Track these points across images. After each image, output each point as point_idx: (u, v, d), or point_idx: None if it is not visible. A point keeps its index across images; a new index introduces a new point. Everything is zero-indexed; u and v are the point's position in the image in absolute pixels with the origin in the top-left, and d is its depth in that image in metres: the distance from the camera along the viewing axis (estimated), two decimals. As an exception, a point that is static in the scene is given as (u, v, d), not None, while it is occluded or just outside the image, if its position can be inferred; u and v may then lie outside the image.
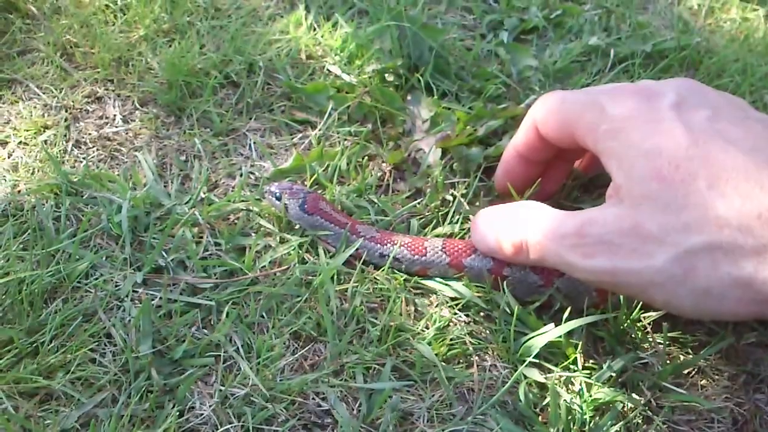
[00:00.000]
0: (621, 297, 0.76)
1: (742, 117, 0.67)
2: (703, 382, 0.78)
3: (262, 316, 0.77)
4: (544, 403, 0.73)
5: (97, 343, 0.73)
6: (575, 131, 0.74)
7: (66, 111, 0.98)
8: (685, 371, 0.78)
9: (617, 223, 0.66)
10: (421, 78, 1.04)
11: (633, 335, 0.79)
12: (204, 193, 0.89)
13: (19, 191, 0.87)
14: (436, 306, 0.81)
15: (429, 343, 0.76)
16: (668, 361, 0.77)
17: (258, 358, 0.73)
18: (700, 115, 0.66)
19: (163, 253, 0.81)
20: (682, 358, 0.79)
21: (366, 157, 0.96)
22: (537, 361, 0.75)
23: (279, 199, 0.85)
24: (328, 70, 1.08)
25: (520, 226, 0.75)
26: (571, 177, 0.93)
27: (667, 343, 0.78)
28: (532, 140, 0.82)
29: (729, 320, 0.68)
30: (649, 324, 0.80)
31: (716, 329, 0.81)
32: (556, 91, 0.79)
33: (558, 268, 0.73)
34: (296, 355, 0.75)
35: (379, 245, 0.82)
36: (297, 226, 0.86)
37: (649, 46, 1.20)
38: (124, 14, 1.11)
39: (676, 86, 0.70)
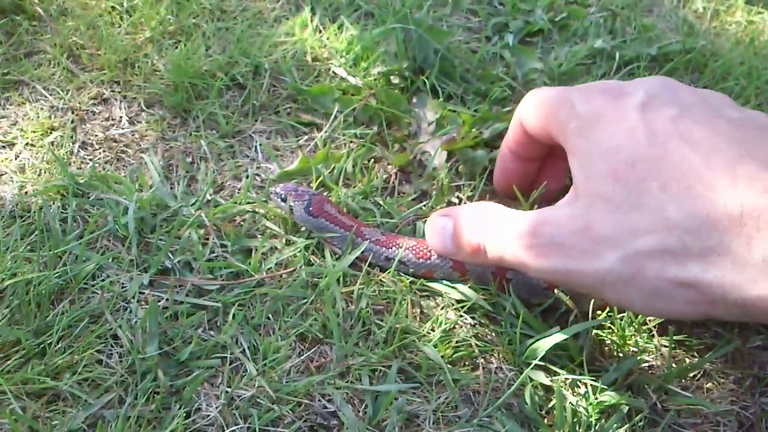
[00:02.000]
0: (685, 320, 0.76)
1: (711, 116, 0.66)
2: (709, 385, 0.78)
3: (269, 318, 0.77)
4: (549, 406, 0.73)
5: (103, 345, 0.73)
6: (550, 128, 0.74)
7: (72, 112, 0.99)
8: (691, 374, 0.78)
9: (570, 224, 0.66)
10: (426, 80, 1.05)
11: (638, 338, 0.79)
12: (210, 195, 0.89)
13: (26, 193, 0.87)
14: (442, 308, 0.81)
15: (435, 346, 0.76)
16: (674, 365, 0.77)
17: (264, 360, 0.73)
18: (665, 115, 0.65)
19: (170, 255, 0.81)
20: (687, 361, 0.79)
21: (372, 160, 0.96)
22: (543, 363, 0.75)
23: (284, 200, 0.85)
24: (333, 72, 1.09)
25: (477, 227, 0.75)
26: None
27: (673, 346, 0.78)
28: (519, 137, 0.82)
29: (679, 319, 0.69)
30: (654, 327, 0.80)
31: (722, 332, 0.81)
32: (541, 88, 0.79)
33: (515, 268, 0.73)
34: (302, 357, 0.75)
35: (384, 248, 0.83)
36: (303, 228, 0.86)
37: (655, 48, 1.20)
38: (130, 16, 1.11)
39: (647, 85, 0.70)
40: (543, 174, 0.88)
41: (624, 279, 0.63)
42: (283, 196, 0.85)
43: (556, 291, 0.78)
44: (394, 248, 0.82)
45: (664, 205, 0.61)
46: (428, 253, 0.82)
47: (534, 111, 0.77)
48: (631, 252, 0.62)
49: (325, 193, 0.89)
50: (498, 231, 0.72)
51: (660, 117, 0.65)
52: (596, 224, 0.64)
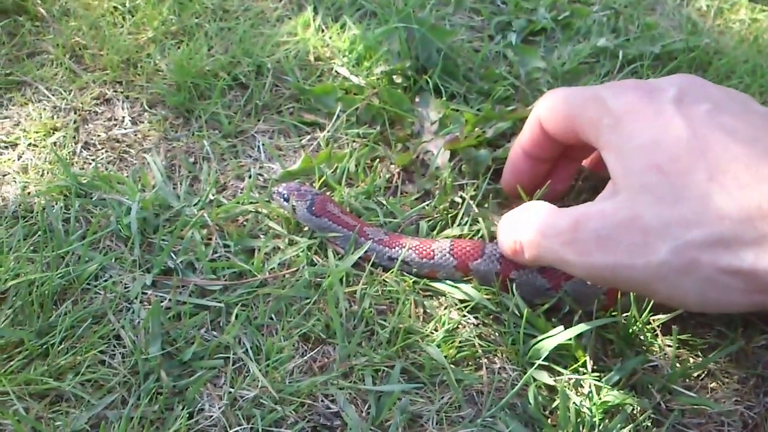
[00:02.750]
0: (631, 299, 0.76)
1: (743, 110, 0.66)
2: (713, 385, 0.77)
3: (271, 318, 0.77)
4: (553, 406, 0.73)
5: (106, 345, 0.73)
6: (578, 126, 0.74)
7: (75, 113, 0.99)
8: (695, 374, 0.78)
9: (614, 217, 0.66)
10: (429, 80, 1.04)
11: (642, 338, 0.79)
12: (213, 195, 0.89)
13: (29, 193, 0.87)
14: (445, 308, 0.80)
15: (438, 346, 0.76)
16: (678, 364, 0.77)
17: (267, 360, 0.73)
18: (701, 109, 0.66)
19: (173, 255, 0.81)
20: (691, 361, 0.79)
21: (375, 159, 0.96)
22: (546, 363, 0.75)
23: (287, 200, 0.85)
24: (336, 71, 1.09)
25: (516, 226, 0.74)
26: (581, 177, 0.93)
27: (677, 345, 0.78)
28: (537, 137, 0.82)
29: (733, 311, 0.68)
30: (658, 327, 0.80)
31: (726, 332, 0.81)
32: (560, 88, 0.79)
33: (555, 266, 0.72)
34: (305, 357, 0.75)
35: (387, 248, 0.82)
36: (306, 228, 0.86)
37: (658, 47, 1.19)
38: (133, 16, 1.11)
39: (677, 81, 0.70)
40: (551, 175, 0.87)
41: (677, 271, 0.62)
42: (285, 195, 0.85)
43: (559, 291, 0.78)
44: (397, 248, 0.82)
45: (713, 196, 0.61)
46: (431, 253, 0.81)
47: (556, 110, 0.77)
48: (682, 243, 0.62)
49: (327, 193, 0.89)
50: (536, 228, 0.71)
51: (696, 110, 0.66)
52: (643, 216, 0.64)
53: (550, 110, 0.78)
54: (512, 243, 0.74)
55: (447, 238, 0.85)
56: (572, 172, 0.90)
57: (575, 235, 0.67)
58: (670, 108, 0.66)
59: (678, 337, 0.77)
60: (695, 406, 0.75)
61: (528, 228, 0.72)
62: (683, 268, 0.62)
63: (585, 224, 0.67)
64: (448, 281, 0.82)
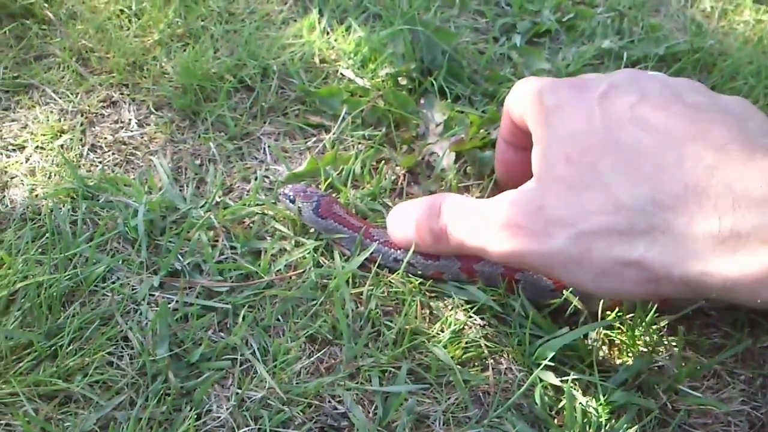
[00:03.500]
0: (636, 300, 0.76)
1: (670, 101, 0.66)
2: (719, 385, 0.78)
3: (278, 320, 0.78)
4: (559, 406, 0.73)
5: (114, 347, 0.74)
6: (526, 120, 0.75)
7: (82, 115, 0.99)
8: (701, 374, 0.78)
9: (525, 205, 0.68)
10: (434, 82, 1.05)
11: (648, 338, 0.79)
12: (219, 197, 0.90)
13: (36, 195, 0.88)
14: (451, 309, 0.81)
15: (444, 347, 0.76)
16: (684, 365, 0.77)
17: (274, 361, 0.74)
18: (623, 102, 0.66)
19: (179, 257, 0.82)
20: (697, 361, 0.79)
21: (380, 161, 0.97)
22: (552, 364, 0.75)
23: (293, 202, 0.85)
24: (341, 74, 1.09)
25: (440, 213, 0.76)
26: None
27: (683, 346, 0.78)
28: (509, 126, 0.83)
29: (630, 299, 0.71)
30: (664, 327, 0.80)
31: (732, 332, 0.81)
32: (524, 79, 0.80)
33: (476, 253, 0.74)
34: (312, 358, 0.75)
35: (393, 249, 0.83)
36: (312, 230, 0.86)
37: (662, 48, 1.20)
38: (139, 19, 1.12)
39: (611, 77, 0.71)
40: None
41: (573, 259, 0.64)
42: (291, 197, 0.85)
43: (564, 292, 0.78)
44: (402, 249, 0.82)
45: (614, 186, 0.62)
46: (437, 255, 0.82)
47: (515, 101, 0.78)
48: (580, 232, 0.63)
49: (333, 195, 0.90)
50: (462, 216, 0.74)
51: (618, 104, 0.66)
52: (549, 205, 0.66)
53: (511, 100, 0.79)
54: (436, 228, 0.76)
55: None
56: None
57: (492, 223, 0.70)
58: (593, 103, 0.68)
59: (684, 337, 0.77)
60: (701, 407, 0.75)
61: (452, 215, 0.75)
62: (578, 256, 0.64)
63: (499, 212, 0.70)
64: (453, 282, 0.82)
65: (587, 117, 0.67)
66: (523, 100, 0.76)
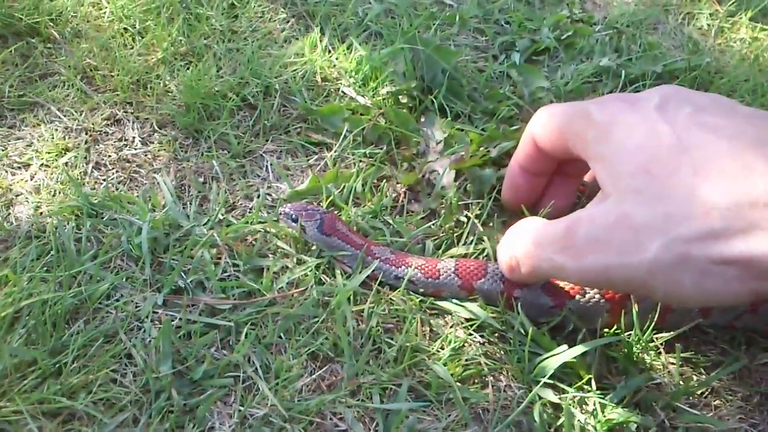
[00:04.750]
0: (633, 317, 0.77)
1: (725, 111, 0.68)
2: (717, 402, 0.78)
3: (280, 337, 0.78)
4: (558, 424, 0.74)
5: (118, 364, 0.74)
6: (567, 141, 0.75)
7: (86, 133, 1.00)
8: (699, 392, 0.79)
9: (604, 219, 0.67)
10: (434, 100, 1.06)
11: (646, 356, 0.80)
12: (222, 215, 0.91)
13: (41, 213, 0.89)
14: (451, 327, 0.82)
15: (444, 364, 0.77)
16: (681, 382, 0.78)
17: (276, 379, 0.74)
18: (683, 112, 0.67)
19: (183, 275, 0.82)
20: (695, 378, 0.80)
21: (381, 179, 0.98)
22: (551, 381, 0.76)
23: (295, 221, 0.86)
24: (343, 92, 1.10)
25: (511, 242, 0.76)
26: (585, 195, 0.94)
27: (680, 363, 0.79)
28: (531, 153, 0.83)
29: (736, 302, 0.69)
30: (661, 345, 0.81)
31: (729, 350, 0.82)
32: (551, 105, 0.81)
33: (552, 276, 0.73)
34: (314, 376, 0.76)
35: (394, 267, 0.84)
36: (314, 248, 0.87)
37: (660, 66, 1.21)
38: (143, 37, 1.13)
39: (659, 91, 0.72)
40: (551, 192, 0.89)
41: (670, 266, 0.63)
42: (293, 216, 0.86)
43: (563, 309, 0.79)
44: (403, 267, 0.83)
45: (700, 190, 0.62)
46: (436, 272, 0.83)
47: (547, 125, 0.78)
48: (672, 238, 0.62)
49: (334, 212, 0.90)
50: (530, 241, 0.73)
51: (679, 114, 0.67)
52: (632, 215, 0.65)
53: (542, 126, 0.80)
54: (509, 259, 0.76)
55: (453, 257, 0.86)
56: (572, 188, 0.91)
57: (567, 241, 0.69)
58: (653, 115, 0.68)
59: (681, 354, 0.78)
60: (699, 424, 0.75)
61: (522, 242, 0.74)
62: (676, 263, 0.63)
63: (576, 229, 0.69)
64: (453, 300, 0.83)
65: (651, 128, 0.67)
66: (560, 122, 0.76)
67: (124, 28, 1.14)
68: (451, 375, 0.76)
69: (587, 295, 0.80)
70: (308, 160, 1.01)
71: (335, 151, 1.01)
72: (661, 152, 0.65)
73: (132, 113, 1.04)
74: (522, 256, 0.74)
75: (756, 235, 0.60)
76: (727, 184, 0.61)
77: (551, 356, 0.76)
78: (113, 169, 0.97)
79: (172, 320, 0.78)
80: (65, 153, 0.97)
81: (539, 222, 0.75)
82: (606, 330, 0.79)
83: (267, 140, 1.03)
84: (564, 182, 0.89)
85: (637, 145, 0.67)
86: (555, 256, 0.70)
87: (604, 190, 0.69)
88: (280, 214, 0.88)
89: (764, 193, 0.60)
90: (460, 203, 0.94)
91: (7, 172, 0.94)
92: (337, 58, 1.15)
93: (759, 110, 0.70)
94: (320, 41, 1.16)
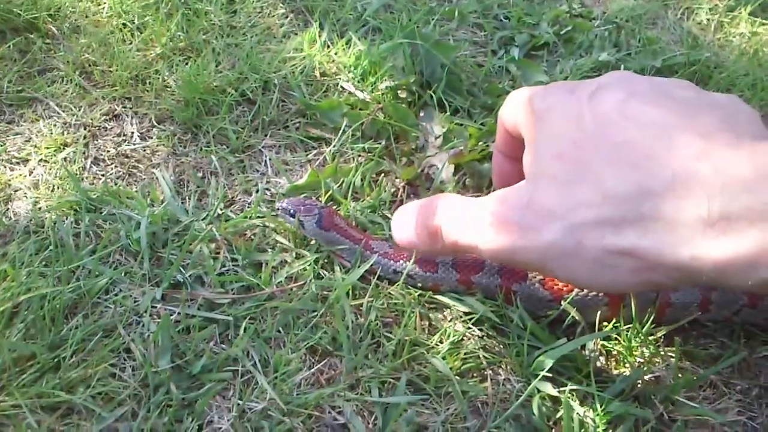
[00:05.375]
0: (633, 311, 0.77)
1: (658, 97, 0.66)
2: (716, 395, 0.78)
3: (279, 331, 0.78)
4: (557, 417, 0.74)
5: (117, 358, 0.75)
6: (519, 127, 0.76)
7: (85, 129, 1.00)
8: (698, 385, 0.79)
9: (515, 200, 0.68)
10: (433, 94, 1.06)
11: (645, 349, 0.80)
12: (221, 210, 0.91)
13: (39, 208, 0.89)
14: (450, 320, 0.82)
15: (443, 358, 0.77)
16: (680, 375, 0.78)
17: (275, 373, 0.74)
18: (612, 99, 0.66)
19: (181, 269, 0.82)
20: (694, 371, 0.80)
21: (380, 173, 0.98)
22: (550, 375, 0.76)
23: (293, 215, 0.86)
24: (341, 87, 1.10)
25: (435, 213, 0.76)
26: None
27: (679, 356, 0.79)
28: (503, 137, 0.83)
29: (626, 290, 0.70)
30: (660, 338, 0.81)
31: (728, 343, 0.82)
32: (517, 90, 0.81)
33: (468, 252, 0.73)
34: (312, 370, 0.76)
35: (392, 261, 0.84)
36: (312, 242, 0.87)
37: (659, 61, 1.21)
38: (141, 33, 1.13)
39: (601, 78, 0.71)
40: None
41: (567, 252, 0.64)
42: (291, 211, 0.86)
43: (562, 303, 0.79)
44: (401, 261, 0.83)
45: (603, 178, 0.62)
46: (435, 266, 0.83)
47: (508, 111, 0.79)
48: (572, 224, 0.63)
49: (333, 207, 0.90)
50: (455, 215, 0.73)
51: (607, 101, 0.66)
52: (540, 200, 0.66)
53: (505, 111, 0.80)
54: (432, 228, 0.75)
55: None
56: None
57: (481, 220, 0.70)
58: (582, 102, 0.67)
59: (680, 348, 0.78)
60: (698, 417, 0.75)
61: (447, 214, 0.74)
62: (571, 248, 0.63)
63: (489, 208, 0.69)
64: (452, 294, 0.83)
65: (576, 115, 0.67)
66: (515, 108, 0.77)
67: (123, 24, 1.14)
68: (450, 368, 0.76)
69: (586, 289, 0.80)
70: (307, 154, 1.01)
71: (334, 146, 1.01)
72: (579, 138, 0.65)
73: (131, 108, 1.04)
74: (446, 228, 0.74)
75: (646, 226, 0.60)
76: (629, 172, 0.61)
77: (550, 350, 0.76)
78: (112, 164, 0.97)
79: (171, 315, 0.79)
80: (64, 148, 0.97)
81: (462, 198, 0.76)
82: (605, 323, 0.79)
83: (266, 135, 1.03)
84: None
85: (559, 133, 0.67)
86: (471, 234, 0.71)
87: (526, 175, 0.70)
88: (278, 209, 0.88)
89: (660, 184, 0.59)
90: (458, 197, 0.94)
91: (5, 167, 0.94)
92: (336, 53, 1.14)
93: (707, 95, 0.69)
94: (319, 36, 1.16)
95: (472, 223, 0.71)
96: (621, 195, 0.61)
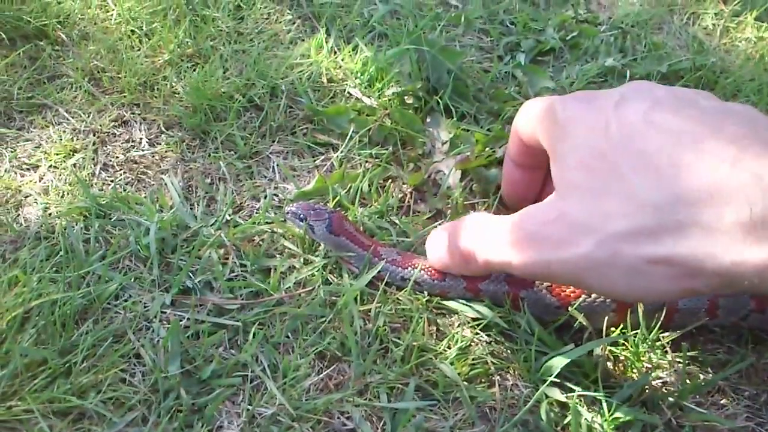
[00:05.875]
0: (639, 316, 0.77)
1: (682, 106, 0.67)
2: (724, 401, 0.78)
3: (288, 337, 0.79)
4: (565, 422, 0.74)
5: (127, 364, 0.75)
6: (538, 137, 0.76)
7: (94, 135, 1.01)
8: (706, 391, 0.79)
9: (546, 215, 0.68)
10: (440, 100, 1.06)
11: (652, 355, 0.80)
12: (229, 215, 0.91)
13: (50, 214, 0.89)
14: (458, 326, 0.82)
15: (451, 363, 0.77)
16: (688, 381, 0.78)
17: (284, 378, 0.75)
18: (636, 108, 0.67)
19: (191, 275, 0.83)
20: (702, 377, 0.80)
21: (387, 179, 0.98)
22: (558, 380, 0.76)
23: (302, 220, 0.86)
24: (348, 93, 1.11)
25: (467, 234, 0.77)
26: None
27: (687, 362, 0.79)
28: (518, 146, 0.84)
29: (664, 298, 0.69)
30: (668, 343, 0.81)
31: (736, 348, 0.82)
32: (533, 99, 0.81)
33: (502, 269, 0.74)
34: (321, 375, 0.76)
35: (400, 268, 0.84)
36: (321, 248, 0.87)
37: (665, 66, 1.21)
38: (149, 39, 1.14)
39: (623, 88, 0.72)
40: (550, 185, 0.89)
41: (602, 263, 0.64)
42: (301, 215, 0.87)
43: (569, 308, 0.79)
44: (409, 268, 0.83)
45: (635, 187, 0.62)
46: (442, 274, 0.83)
47: (525, 121, 0.79)
48: (605, 235, 0.63)
49: (342, 212, 0.91)
50: (485, 234, 0.74)
51: (632, 110, 0.67)
52: (570, 212, 0.66)
53: (521, 121, 0.80)
54: (465, 251, 0.76)
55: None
56: None
57: (513, 236, 0.70)
58: (607, 112, 0.68)
59: (688, 353, 0.78)
60: (706, 423, 0.75)
61: (478, 234, 0.75)
62: (607, 259, 0.64)
63: (521, 225, 0.70)
64: (460, 300, 0.83)
65: (602, 125, 0.67)
66: (534, 118, 0.77)
67: (131, 30, 1.15)
68: (458, 374, 0.76)
69: (593, 295, 0.80)
70: (314, 160, 1.01)
71: (341, 152, 1.01)
72: (606, 148, 0.66)
73: (139, 114, 1.05)
74: (478, 248, 0.75)
75: (685, 234, 0.60)
76: (660, 181, 0.61)
77: (558, 355, 0.76)
78: (121, 170, 0.97)
79: (181, 320, 0.79)
80: (73, 154, 0.98)
81: (492, 217, 0.76)
82: (612, 329, 0.80)
83: (273, 141, 1.03)
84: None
85: (586, 143, 0.68)
86: (503, 252, 0.71)
87: (555, 186, 0.71)
88: (288, 213, 0.88)
89: (695, 191, 0.60)
90: (465, 203, 0.95)
91: (16, 173, 0.95)
92: (342, 59, 1.15)
93: (727, 104, 0.69)
94: (326, 42, 1.17)
95: (503, 240, 0.71)
96: (654, 203, 0.61)
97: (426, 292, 0.84)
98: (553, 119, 0.73)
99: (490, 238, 0.73)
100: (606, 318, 0.79)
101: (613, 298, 0.79)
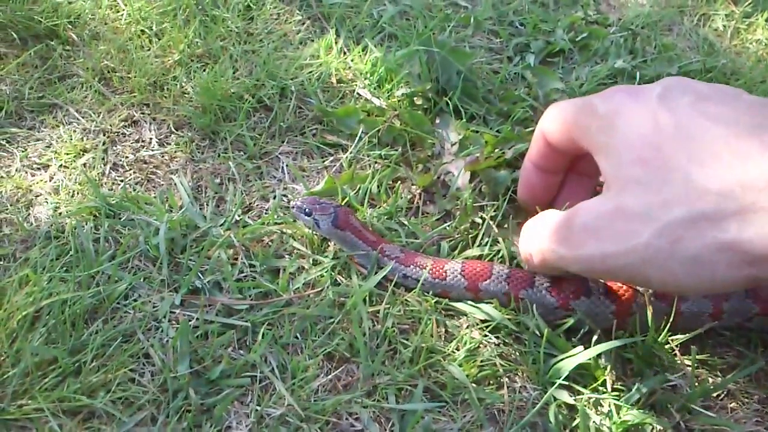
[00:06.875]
0: (648, 318, 0.77)
1: (728, 99, 0.67)
2: (733, 405, 0.78)
3: (297, 337, 0.79)
4: (573, 425, 0.74)
5: (136, 363, 0.75)
6: (574, 135, 0.76)
7: (104, 135, 1.01)
8: (715, 394, 0.79)
9: (601, 208, 0.68)
10: (449, 101, 1.06)
11: (661, 357, 0.79)
12: (239, 216, 0.91)
13: (60, 214, 0.90)
14: (467, 328, 0.82)
15: (460, 365, 0.77)
16: (697, 384, 0.78)
17: (293, 379, 0.75)
18: (684, 100, 0.67)
19: (200, 275, 0.83)
20: (711, 380, 0.80)
21: (396, 180, 0.98)
22: (566, 383, 0.76)
23: (308, 214, 0.87)
24: (358, 94, 1.11)
25: (524, 237, 0.78)
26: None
27: (696, 365, 0.79)
28: (542, 149, 0.83)
29: (727, 289, 0.68)
30: (677, 346, 0.81)
31: (745, 352, 0.82)
32: (560, 101, 0.81)
33: (558, 266, 0.73)
34: (330, 376, 0.76)
35: (402, 266, 0.84)
36: (329, 248, 0.87)
37: (675, 68, 1.21)
38: (159, 39, 1.14)
39: (663, 81, 0.72)
40: (566, 190, 0.89)
41: (663, 252, 0.63)
42: (307, 210, 0.87)
43: (568, 309, 0.79)
44: (411, 266, 0.84)
45: (694, 175, 0.62)
46: (444, 273, 0.83)
47: (555, 121, 0.79)
48: (666, 223, 0.63)
49: (348, 207, 0.91)
50: (539, 233, 0.74)
51: (679, 102, 0.67)
52: (627, 204, 0.66)
53: (550, 122, 0.80)
54: (526, 252, 0.78)
55: (461, 258, 0.87)
56: (588, 186, 0.90)
57: (567, 232, 0.70)
58: (654, 104, 0.68)
59: (697, 356, 0.78)
60: (715, 427, 0.75)
61: (534, 234, 0.76)
62: (668, 248, 0.63)
63: (574, 219, 0.70)
64: (469, 301, 0.83)
65: (651, 117, 0.67)
66: (568, 117, 0.77)
67: (141, 30, 1.15)
68: (467, 376, 0.76)
69: (591, 296, 0.80)
70: (324, 161, 1.01)
71: (351, 153, 1.01)
72: (659, 140, 0.66)
73: (149, 114, 1.05)
74: (535, 249, 0.75)
75: (748, 218, 0.59)
76: (721, 169, 0.61)
77: (566, 358, 0.76)
78: (130, 170, 0.98)
79: (190, 320, 0.79)
80: (83, 154, 0.98)
81: (546, 214, 0.77)
82: (621, 332, 0.79)
83: (283, 142, 1.03)
84: (579, 181, 0.89)
85: (637, 135, 0.67)
86: (557, 248, 0.71)
87: (605, 182, 0.70)
88: (293, 207, 0.88)
89: (758, 178, 0.59)
90: (475, 205, 0.95)
91: (26, 172, 0.95)
92: (352, 60, 1.15)
93: (764, 99, 0.70)
94: (335, 43, 1.17)
95: (555, 236, 0.71)
96: (717, 190, 0.61)
97: (429, 293, 0.84)
98: (593, 114, 0.73)
99: (542, 236, 0.74)
100: (606, 319, 0.79)
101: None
